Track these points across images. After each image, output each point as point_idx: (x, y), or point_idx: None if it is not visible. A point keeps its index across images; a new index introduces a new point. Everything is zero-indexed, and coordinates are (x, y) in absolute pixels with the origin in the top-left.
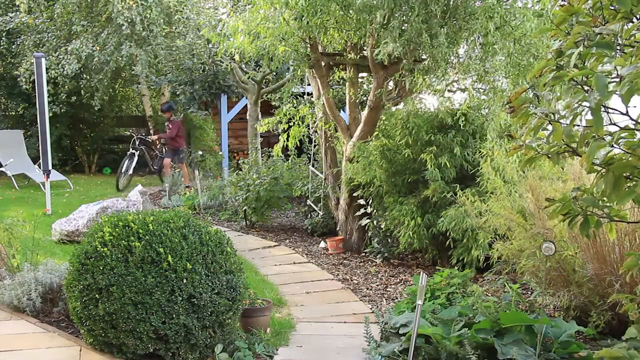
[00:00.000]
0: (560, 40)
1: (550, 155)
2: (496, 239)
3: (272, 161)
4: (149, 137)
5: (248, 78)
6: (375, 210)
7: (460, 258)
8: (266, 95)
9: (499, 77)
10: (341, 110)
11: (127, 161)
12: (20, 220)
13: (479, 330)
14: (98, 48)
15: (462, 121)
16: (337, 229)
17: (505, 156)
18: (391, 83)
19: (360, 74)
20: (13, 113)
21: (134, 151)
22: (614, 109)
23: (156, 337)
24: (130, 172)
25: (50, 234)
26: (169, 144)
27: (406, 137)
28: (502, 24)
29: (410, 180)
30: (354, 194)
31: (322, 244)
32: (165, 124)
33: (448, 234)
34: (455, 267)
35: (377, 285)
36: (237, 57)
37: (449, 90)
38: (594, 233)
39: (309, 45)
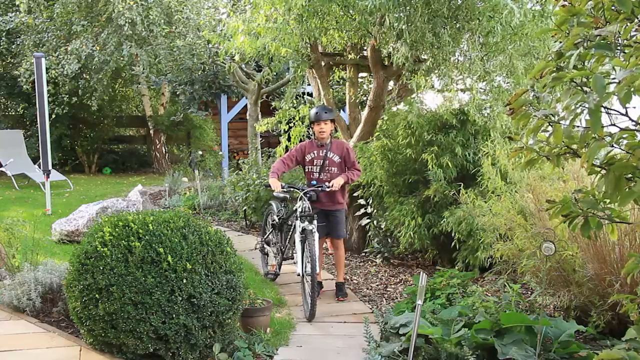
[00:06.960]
0: (560, 42)
1: (550, 157)
2: (496, 239)
3: (272, 161)
4: (326, 184)
5: (248, 78)
6: (375, 210)
7: (466, 260)
8: (267, 97)
9: (500, 76)
10: (341, 110)
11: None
12: (20, 220)
13: (479, 331)
14: (98, 48)
15: (464, 121)
16: None
17: (507, 158)
18: (391, 83)
19: (360, 74)
20: (13, 113)
21: (308, 224)
22: (614, 110)
23: (156, 337)
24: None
25: (50, 234)
26: (326, 200)
27: (408, 137)
28: (503, 24)
29: (410, 180)
30: (354, 194)
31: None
32: (318, 150)
33: (453, 234)
34: (456, 268)
35: (377, 285)
36: (237, 58)
37: (449, 90)
38: (595, 234)
39: (309, 46)
